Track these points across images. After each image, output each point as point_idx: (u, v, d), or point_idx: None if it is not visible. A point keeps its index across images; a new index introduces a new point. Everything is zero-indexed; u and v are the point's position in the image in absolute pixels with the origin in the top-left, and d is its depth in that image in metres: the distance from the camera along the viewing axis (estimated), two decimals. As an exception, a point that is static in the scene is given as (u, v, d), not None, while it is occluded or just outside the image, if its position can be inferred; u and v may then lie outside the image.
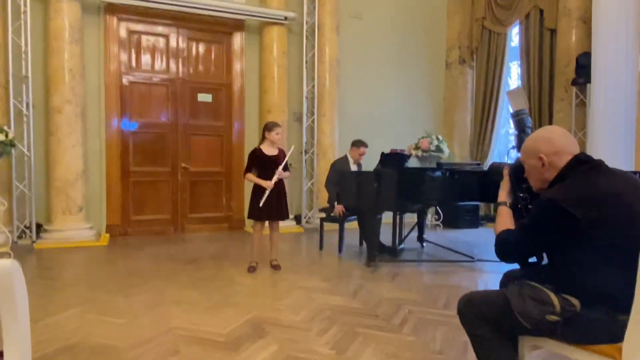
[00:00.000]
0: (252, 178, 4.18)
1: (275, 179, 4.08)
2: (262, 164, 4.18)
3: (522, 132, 1.85)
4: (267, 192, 4.04)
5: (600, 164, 1.59)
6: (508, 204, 1.82)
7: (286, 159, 4.19)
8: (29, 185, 5.37)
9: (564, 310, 1.50)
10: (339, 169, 5.09)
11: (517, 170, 1.83)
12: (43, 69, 5.44)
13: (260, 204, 4.03)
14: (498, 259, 1.73)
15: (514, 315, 1.57)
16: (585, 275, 1.50)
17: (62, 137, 5.33)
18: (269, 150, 4.22)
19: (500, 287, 1.93)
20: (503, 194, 1.85)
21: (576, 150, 1.64)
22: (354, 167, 5.25)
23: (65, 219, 5.36)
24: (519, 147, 1.94)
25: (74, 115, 5.38)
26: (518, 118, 1.87)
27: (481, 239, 6.13)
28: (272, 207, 4.15)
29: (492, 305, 1.67)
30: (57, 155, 5.35)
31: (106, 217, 5.91)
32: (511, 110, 1.90)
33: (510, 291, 1.63)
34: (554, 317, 1.50)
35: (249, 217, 4.26)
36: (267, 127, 4.23)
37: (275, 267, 4.23)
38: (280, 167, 4.12)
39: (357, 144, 5.21)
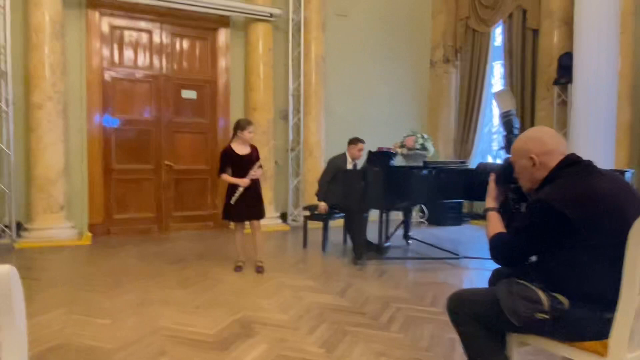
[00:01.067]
0: (227, 178, 4.10)
1: (250, 177, 4.02)
2: (236, 163, 4.09)
3: (510, 133, 1.88)
4: (240, 190, 3.98)
5: (589, 165, 1.62)
6: (496, 209, 1.83)
7: (255, 158, 4.09)
8: (9, 184, 5.23)
9: (552, 308, 1.53)
10: (335, 166, 5.07)
11: (506, 170, 1.86)
12: (23, 64, 5.30)
13: (232, 201, 3.98)
14: (498, 264, 1.73)
15: (504, 314, 1.60)
16: (573, 274, 1.52)
17: (43, 134, 5.22)
18: (240, 148, 4.12)
19: (489, 285, 1.95)
20: (490, 200, 1.86)
21: (566, 150, 1.66)
22: (349, 166, 5.23)
23: (47, 217, 5.25)
24: (507, 148, 1.96)
25: (55, 111, 5.26)
26: (506, 119, 1.90)
27: (465, 236, 6.21)
28: (248, 207, 4.08)
29: (481, 304, 1.69)
30: (37, 153, 5.23)
31: (88, 215, 5.80)
32: (499, 111, 1.93)
33: (499, 290, 1.65)
34: (543, 315, 1.53)
35: (224, 217, 4.23)
36: (240, 125, 4.12)
37: (259, 270, 4.16)
38: (256, 166, 4.05)
39: (354, 141, 5.18)
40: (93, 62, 5.79)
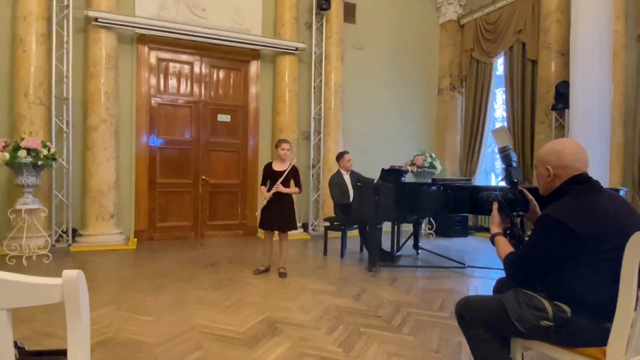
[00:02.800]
0: (261, 189, 4.19)
1: (273, 190, 4.02)
2: (271, 177, 4.16)
3: (509, 166, 1.87)
4: (264, 202, 4.03)
5: (596, 184, 1.59)
6: (501, 234, 1.80)
7: (284, 174, 4.06)
8: (67, 194, 5.39)
9: (556, 316, 1.49)
10: (337, 183, 5.11)
11: (507, 200, 1.84)
12: (82, 91, 5.50)
13: (256, 213, 4.02)
14: (515, 282, 1.68)
15: (510, 320, 1.56)
16: (576, 285, 1.49)
17: (97, 152, 5.37)
18: (278, 165, 4.17)
19: (493, 292, 1.91)
20: (494, 227, 1.83)
21: (583, 168, 1.61)
22: (347, 177, 5.25)
23: (98, 224, 5.38)
24: (507, 179, 1.95)
25: (108, 132, 5.43)
26: (504, 154, 1.89)
27: (471, 247, 6.11)
28: (276, 218, 4.10)
29: (488, 310, 1.66)
30: (92, 168, 5.38)
31: (134, 223, 5.92)
32: (497, 147, 1.93)
33: (506, 298, 1.62)
34: (547, 323, 1.49)
35: (259, 226, 4.28)
36: (276, 144, 4.24)
37: (281, 274, 4.15)
38: (279, 181, 4.04)
39: (340, 155, 5.27)
40: (142, 90, 5.97)
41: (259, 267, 4.27)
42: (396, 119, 7.71)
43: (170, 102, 6.20)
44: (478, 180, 7.41)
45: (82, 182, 5.51)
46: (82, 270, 0.81)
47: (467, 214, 6.76)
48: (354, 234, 5.82)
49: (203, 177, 6.34)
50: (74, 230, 5.46)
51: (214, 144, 6.46)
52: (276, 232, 4.27)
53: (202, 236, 6.35)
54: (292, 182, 4.18)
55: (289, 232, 4.30)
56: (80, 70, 5.51)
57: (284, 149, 4.15)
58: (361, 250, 5.41)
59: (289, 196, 4.20)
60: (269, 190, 4.07)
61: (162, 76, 6.16)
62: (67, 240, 5.37)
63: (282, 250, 4.27)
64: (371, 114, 7.49)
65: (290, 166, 4.15)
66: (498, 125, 7.41)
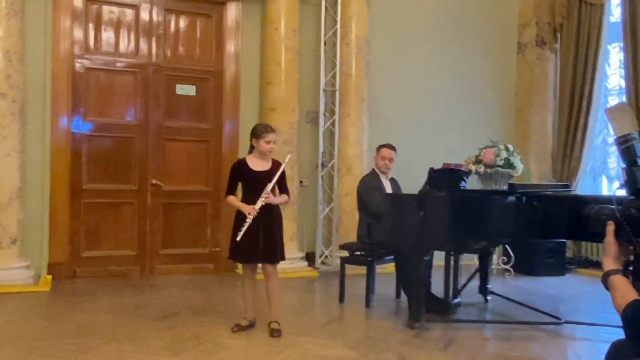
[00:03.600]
0: (233, 201, 4.18)
1: (260, 203, 4.02)
2: (250, 182, 4.15)
3: (632, 165, 1.82)
4: (248, 221, 3.98)
5: None
6: (620, 272, 1.77)
7: (276, 176, 4.09)
8: (-53, 208, 5.45)
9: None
10: (374, 187, 5.14)
11: (630, 219, 1.81)
12: (-30, 50, 5.57)
13: (238, 238, 4.00)
14: (634, 345, 1.67)
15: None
16: None
17: (-7, 143, 5.43)
18: (257, 163, 4.18)
19: (606, 361, 1.90)
20: (609, 261, 1.81)
21: None
22: (386, 184, 5.27)
23: (-6, 254, 5.42)
24: (630, 186, 1.89)
25: (9, 113, 5.46)
26: (625, 146, 1.85)
27: (570, 292, 6.04)
28: (261, 244, 4.09)
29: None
30: (-15, 167, 5.43)
31: (49, 252, 5.95)
32: (614, 135, 1.88)
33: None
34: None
35: (230, 257, 4.28)
36: (255, 133, 4.18)
37: (274, 333, 4.12)
38: (269, 187, 4.05)
39: (378, 147, 5.35)
40: (61, 48, 6.01)
41: (240, 322, 4.26)
42: (451, 92, 7.68)
43: (104, 65, 6.24)
44: (581, 188, 7.31)
45: (-31, 189, 5.56)
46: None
47: (564, 239, 6.70)
48: (385, 269, 5.77)
49: (154, 182, 6.36)
50: (-43, 263, 5.51)
51: (171, 130, 6.48)
52: (260, 265, 4.24)
53: (152, 272, 6.36)
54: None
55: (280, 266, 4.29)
56: (-32, 19, 5.57)
57: (269, 142, 4.15)
58: (398, 295, 5.37)
59: (278, 210, 4.22)
60: (250, 203, 4.06)
61: (91, 27, 6.21)
62: (-54, 278, 5.41)
63: (272, 293, 4.25)
64: (412, 84, 7.47)
65: (279, 163, 4.18)
66: (614, 101, 7.32)
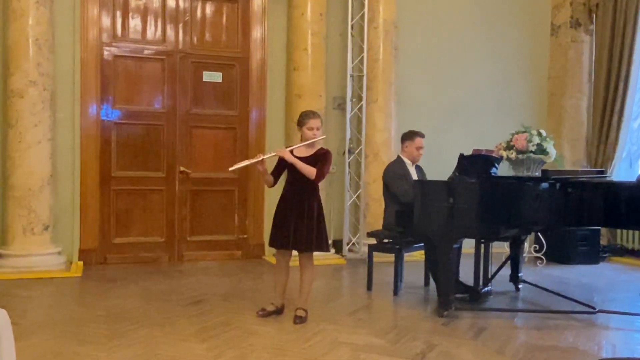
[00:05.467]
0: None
1: (271, 153, 4.19)
2: (290, 168, 4.18)
3: None
4: (253, 160, 4.15)
5: None
6: None
7: (298, 145, 4.20)
8: (-20, 195, 5.59)
9: None
10: (402, 172, 5.14)
11: None
12: (0, 39, 5.66)
13: (230, 168, 4.18)
14: None
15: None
16: None
17: (24, 131, 5.51)
18: (301, 151, 4.21)
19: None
20: None
21: None
22: (412, 172, 5.25)
23: (26, 240, 5.52)
24: None
25: (40, 101, 5.55)
26: None
27: (604, 280, 5.98)
28: (294, 230, 4.11)
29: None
30: (16, 155, 5.52)
31: (80, 239, 6.07)
32: None
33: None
34: None
35: (269, 244, 4.37)
36: (298, 121, 4.26)
37: (296, 320, 4.14)
38: (271, 153, 4.22)
39: (411, 136, 5.29)
40: (89, 36, 6.08)
41: (267, 307, 4.30)
42: (483, 76, 7.60)
43: (132, 53, 6.30)
44: (617, 174, 7.22)
45: (1, 177, 5.68)
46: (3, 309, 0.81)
47: (599, 226, 6.61)
48: (414, 257, 5.75)
49: (182, 169, 6.43)
50: (-9, 249, 5.64)
51: (198, 118, 6.53)
52: (295, 252, 4.27)
53: (181, 259, 6.45)
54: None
55: (314, 254, 4.29)
56: (-2, 7, 5.65)
57: (312, 128, 4.17)
58: (426, 283, 5.37)
59: (314, 200, 4.21)
60: (298, 188, 4.15)
61: (119, 14, 6.26)
62: (-20, 264, 5.55)
63: (303, 281, 4.28)
64: (442, 68, 7.40)
65: (325, 153, 4.26)
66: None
